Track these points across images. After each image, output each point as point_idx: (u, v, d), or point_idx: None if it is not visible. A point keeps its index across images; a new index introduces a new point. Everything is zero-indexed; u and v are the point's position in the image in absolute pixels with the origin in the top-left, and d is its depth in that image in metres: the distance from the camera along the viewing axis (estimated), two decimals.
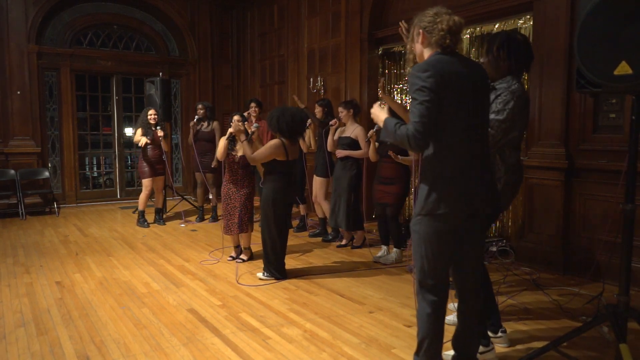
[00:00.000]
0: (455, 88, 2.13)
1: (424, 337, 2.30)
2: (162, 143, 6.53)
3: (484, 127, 2.30)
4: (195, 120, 6.76)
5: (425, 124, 2.08)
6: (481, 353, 2.68)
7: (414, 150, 2.26)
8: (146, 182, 6.58)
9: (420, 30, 2.24)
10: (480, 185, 2.23)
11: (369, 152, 4.89)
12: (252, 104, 6.46)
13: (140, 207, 6.68)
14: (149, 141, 6.43)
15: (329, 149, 5.44)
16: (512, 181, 2.68)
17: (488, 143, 2.37)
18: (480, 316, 2.42)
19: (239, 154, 4.73)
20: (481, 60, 2.80)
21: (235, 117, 4.66)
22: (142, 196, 6.65)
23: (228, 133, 4.67)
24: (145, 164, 6.53)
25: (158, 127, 6.50)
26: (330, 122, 5.41)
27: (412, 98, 2.13)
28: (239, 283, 4.21)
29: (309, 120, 5.64)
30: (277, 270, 4.29)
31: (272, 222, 4.25)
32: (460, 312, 2.42)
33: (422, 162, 2.26)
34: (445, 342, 2.43)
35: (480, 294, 2.41)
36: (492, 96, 2.58)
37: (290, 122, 4.20)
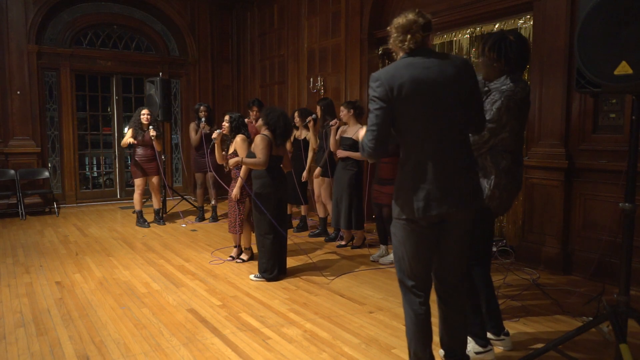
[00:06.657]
0: (412, 94, 2.09)
1: (408, 337, 2.33)
2: (154, 143, 6.50)
3: (463, 127, 2.23)
4: (204, 122, 6.71)
5: (375, 133, 2.13)
6: (477, 353, 2.68)
7: (368, 159, 2.28)
8: (137, 182, 6.58)
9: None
10: (454, 189, 2.17)
11: None
12: (255, 108, 6.41)
13: (137, 207, 6.67)
14: (133, 142, 6.44)
15: (331, 148, 5.44)
16: (502, 185, 2.61)
17: (469, 143, 2.32)
18: (465, 314, 2.40)
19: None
20: (478, 60, 2.79)
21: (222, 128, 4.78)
22: (136, 196, 6.64)
23: (213, 140, 4.78)
24: (136, 164, 6.54)
25: (151, 127, 6.48)
26: (331, 123, 5.40)
27: None
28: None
29: (312, 116, 5.70)
30: (265, 270, 4.26)
31: (259, 218, 4.26)
32: (440, 309, 2.41)
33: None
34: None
35: (462, 293, 2.38)
36: (484, 97, 2.58)
37: (284, 125, 4.33)
